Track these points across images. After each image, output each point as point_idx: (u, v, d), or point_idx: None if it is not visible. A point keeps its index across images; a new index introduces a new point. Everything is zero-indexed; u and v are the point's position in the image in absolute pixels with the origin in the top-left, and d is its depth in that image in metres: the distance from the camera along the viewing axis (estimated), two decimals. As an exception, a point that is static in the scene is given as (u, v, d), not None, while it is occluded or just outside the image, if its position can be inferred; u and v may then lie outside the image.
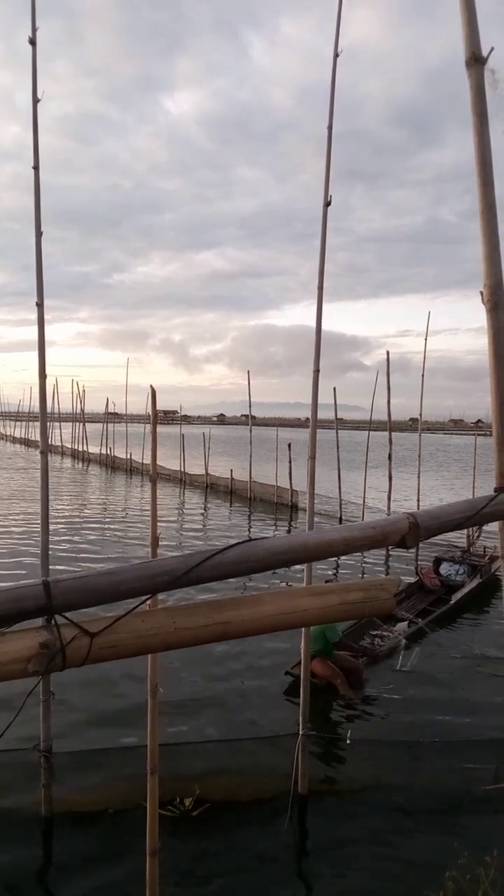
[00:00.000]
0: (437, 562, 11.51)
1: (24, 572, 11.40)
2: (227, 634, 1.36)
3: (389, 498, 17.71)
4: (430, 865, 4.04)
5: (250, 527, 18.41)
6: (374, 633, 8.32)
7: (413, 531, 1.47)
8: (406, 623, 8.75)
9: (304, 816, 4.74)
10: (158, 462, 3.39)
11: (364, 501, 18.47)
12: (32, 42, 4.08)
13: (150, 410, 3.32)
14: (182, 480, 28.93)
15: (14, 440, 61.88)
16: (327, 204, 4.58)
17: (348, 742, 5.48)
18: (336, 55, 4.43)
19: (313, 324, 4.81)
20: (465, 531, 13.47)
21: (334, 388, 19.52)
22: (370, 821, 4.82)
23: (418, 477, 17.63)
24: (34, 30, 4.07)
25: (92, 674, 6.80)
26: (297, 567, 6.74)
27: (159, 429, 3.38)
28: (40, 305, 4.31)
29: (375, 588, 1.44)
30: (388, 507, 17.69)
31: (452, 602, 9.87)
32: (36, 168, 4.20)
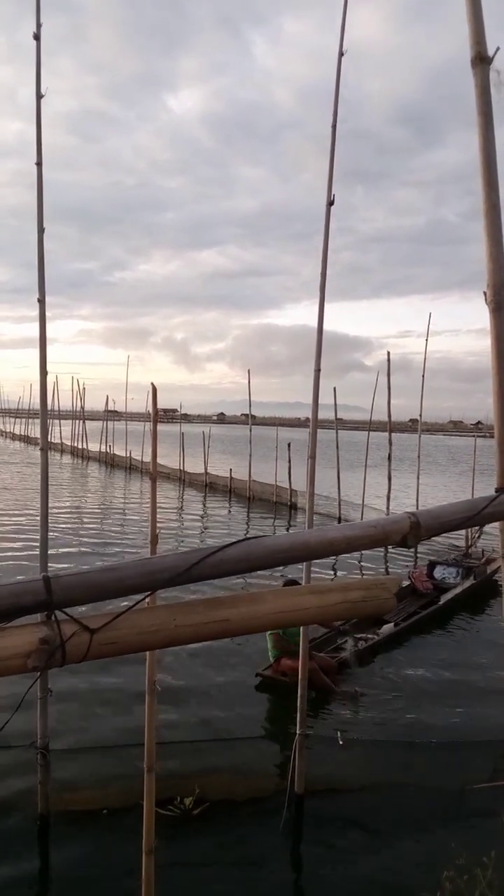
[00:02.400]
0: (431, 565, 11.47)
1: (28, 564, 11.40)
2: (227, 632, 1.36)
3: (389, 498, 17.72)
4: (427, 865, 4.03)
5: (249, 526, 18.41)
6: (359, 636, 8.27)
7: (414, 530, 1.47)
8: (392, 625, 8.70)
9: (300, 816, 4.74)
10: (158, 460, 3.38)
11: (363, 501, 18.48)
12: (37, 37, 4.07)
13: (150, 408, 3.32)
14: (181, 479, 28.93)
15: (14, 437, 61.85)
16: (330, 203, 4.57)
17: (340, 743, 5.47)
18: (341, 54, 4.42)
19: (315, 323, 4.80)
20: (464, 533, 13.47)
21: (335, 388, 19.53)
22: (367, 820, 4.82)
23: (417, 477, 17.65)
24: (38, 25, 4.06)
25: (90, 672, 6.80)
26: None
27: (159, 427, 3.38)
28: (42, 302, 4.29)
29: (376, 587, 1.44)
30: (388, 508, 17.68)
31: (441, 603, 9.85)
32: (39, 164, 4.19)
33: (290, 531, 17.10)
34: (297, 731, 4.77)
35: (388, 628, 8.57)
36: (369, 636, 8.30)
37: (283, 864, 4.41)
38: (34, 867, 4.24)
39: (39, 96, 4.15)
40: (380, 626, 8.62)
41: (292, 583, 6.94)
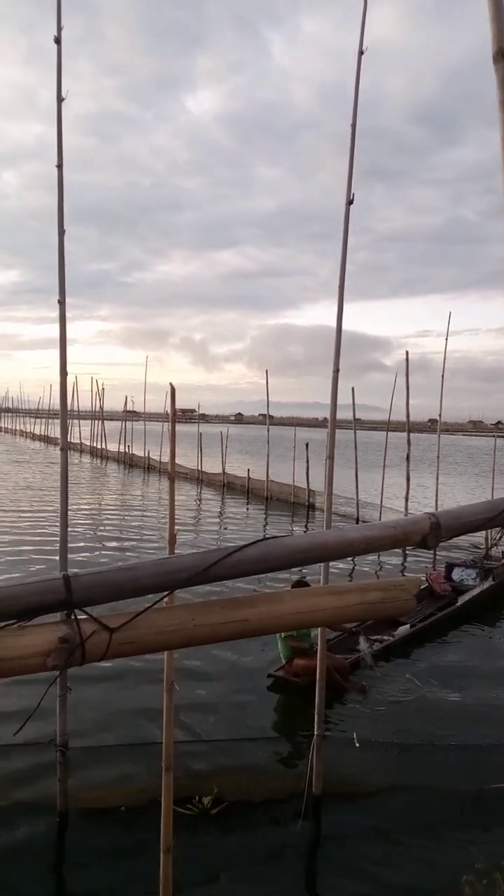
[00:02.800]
0: (449, 567, 11.37)
1: (48, 558, 11.49)
2: (245, 632, 1.36)
3: (407, 498, 17.62)
4: (446, 869, 4.01)
5: (267, 526, 18.40)
6: (374, 637, 8.19)
7: (434, 531, 1.45)
8: (408, 626, 8.60)
9: (318, 817, 4.72)
10: (176, 460, 3.39)
11: (382, 502, 18.39)
12: (57, 41, 4.10)
13: (168, 409, 3.33)
14: (199, 479, 28.99)
15: (34, 437, 62.42)
16: (350, 202, 4.55)
17: (357, 745, 5.45)
18: (360, 52, 4.40)
19: (333, 323, 4.79)
20: (483, 535, 13.35)
21: (353, 389, 19.44)
22: (385, 823, 4.79)
23: (437, 478, 17.49)
24: (59, 29, 4.08)
25: (109, 670, 6.84)
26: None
27: (177, 427, 3.38)
28: (62, 303, 4.32)
29: (395, 588, 1.43)
30: (406, 508, 17.59)
31: (459, 604, 9.75)
32: (60, 166, 4.22)
33: (309, 531, 17.05)
34: (315, 732, 4.75)
35: (403, 630, 8.49)
36: (384, 638, 8.23)
37: (301, 866, 4.40)
38: (54, 864, 4.27)
39: (60, 99, 4.17)
40: (395, 627, 8.55)
41: (302, 584, 6.91)
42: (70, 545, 4.55)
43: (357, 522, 17.81)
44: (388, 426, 20.13)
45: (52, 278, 4.36)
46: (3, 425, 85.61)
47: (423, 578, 10.81)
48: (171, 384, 3.23)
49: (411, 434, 17.76)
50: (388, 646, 8.02)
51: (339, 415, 4.93)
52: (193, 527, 17.29)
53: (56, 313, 4.34)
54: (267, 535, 1.46)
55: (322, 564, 4.76)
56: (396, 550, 12.81)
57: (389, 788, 5.21)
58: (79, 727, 5.40)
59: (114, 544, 14.36)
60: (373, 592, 1.41)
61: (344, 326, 4.77)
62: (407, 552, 13.80)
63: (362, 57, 4.43)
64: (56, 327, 4.38)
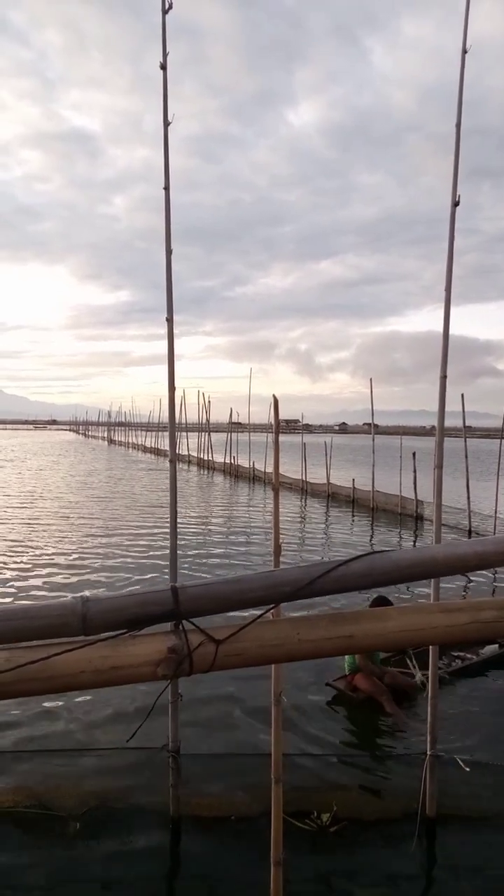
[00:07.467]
0: None
1: (158, 563, 11.86)
2: (350, 648, 1.33)
3: (523, 510, 16.76)
4: None
5: (373, 538, 18.07)
6: (456, 653, 7.69)
7: (553, 546, 1.37)
8: (496, 646, 7.93)
9: (432, 840, 4.54)
10: (280, 471, 3.40)
11: (496, 514, 17.58)
12: (163, 67, 4.25)
13: (272, 420, 3.35)
14: (304, 489, 28.97)
15: (146, 449, 64.85)
16: (455, 204, 4.42)
17: (467, 770, 5.20)
18: (464, 51, 4.28)
19: (440, 328, 4.65)
20: None
21: (462, 395, 18.77)
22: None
23: None
24: (164, 55, 4.23)
25: (219, 678, 6.93)
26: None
27: (281, 438, 3.40)
28: (170, 321, 4.45)
29: (511, 606, 1.35)
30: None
31: None
32: (166, 189, 4.36)
33: (417, 545, 16.59)
34: (427, 752, 4.59)
35: (491, 649, 7.88)
36: (467, 655, 7.76)
37: (414, 889, 4.24)
38: (169, 869, 4.36)
39: (167, 124, 4.32)
40: (482, 645, 7.94)
41: (382, 601, 6.50)
42: (178, 552, 4.65)
43: (469, 535, 17.12)
44: (503, 433, 19.25)
45: (159, 297, 4.49)
46: (116, 438, 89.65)
47: None
48: (273, 396, 3.25)
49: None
50: (469, 666, 7.54)
51: (448, 422, 4.77)
52: (298, 538, 17.26)
53: (164, 330, 4.48)
54: (373, 548, 1.43)
55: (432, 581, 4.61)
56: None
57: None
58: (189, 733, 5.51)
59: (220, 551, 14.59)
60: (488, 611, 1.34)
61: (452, 331, 4.62)
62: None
63: (465, 55, 4.31)
64: (164, 344, 4.52)
